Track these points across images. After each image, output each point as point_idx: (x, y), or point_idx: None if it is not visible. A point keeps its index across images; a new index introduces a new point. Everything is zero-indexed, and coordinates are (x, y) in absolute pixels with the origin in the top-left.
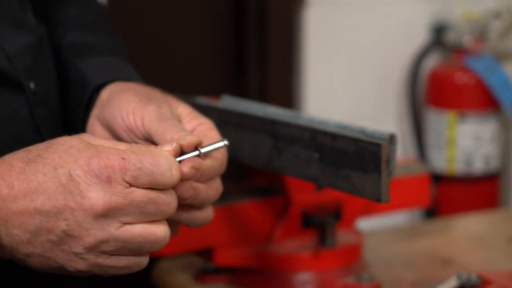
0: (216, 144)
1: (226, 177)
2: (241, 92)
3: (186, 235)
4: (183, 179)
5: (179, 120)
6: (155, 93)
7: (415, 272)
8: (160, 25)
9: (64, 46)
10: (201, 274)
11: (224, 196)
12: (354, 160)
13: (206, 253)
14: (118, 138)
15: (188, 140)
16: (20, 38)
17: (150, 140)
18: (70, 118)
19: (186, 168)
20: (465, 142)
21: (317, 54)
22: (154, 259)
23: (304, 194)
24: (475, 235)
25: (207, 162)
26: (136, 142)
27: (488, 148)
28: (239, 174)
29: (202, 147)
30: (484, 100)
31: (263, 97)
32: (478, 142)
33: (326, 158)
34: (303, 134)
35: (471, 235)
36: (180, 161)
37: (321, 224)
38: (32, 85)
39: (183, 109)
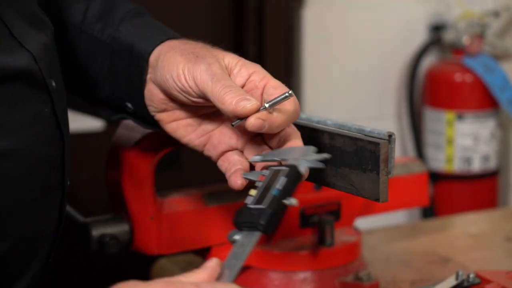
0: (280, 97)
1: (224, 176)
2: None
3: (184, 234)
4: (252, 130)
5: (229, 71)
6: (200, 49)
7: (413, 271)
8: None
9: (88, 23)
10: None
11: (222, 195)
12: (353, 159)
13: (205, 252)
14: (173, 99)
15: (248, 109)
16: (39, 37)
17: (206, 98)
18: (113, 93)
19: (252, 119)
20: (464, 141)
21: (316, 53)
22: (153, 258)
23: (303, 193)
24: (474, 234)
25: (275, 115)
26: (193, 102)
27: (487, 147)
28: None
29: (267, 102)
30: (483, 99)
31: None
32: (476, 141)
33: None
34: (302, 133)
35: (469, 234)
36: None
37: (320, 223)
38: (53, 83)
39: (231, 59)
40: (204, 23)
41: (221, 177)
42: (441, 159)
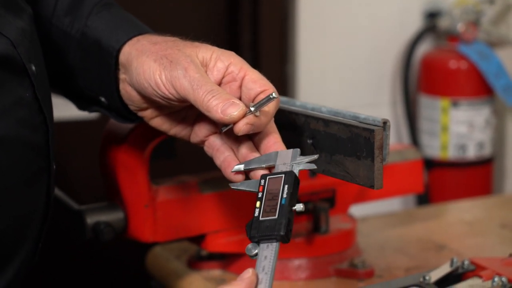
0: (265, 100)
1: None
2: None
3: (179, 222)
4: (241, 134)
5: (205, 67)
6: (171, 50)
7: (408, 258)
8: (152, 16)
9: (58, 16)
10: (195, 260)
11: (216, 183)
12: (348, 146)
13: (200, 240)
14: (154, 103)
15: (235, 116)
16: (16, 22)
17: (188, 101)
18: (85, 88)
19: (241, 125)
20: (458, 128)
21: (310, 41)
22: (148, 246)
23: None
24: (468, 221)
25: (261, 117)
26: (176, 105)
27: (481, 134)
28: None
29: (253, 105)
30: (477, 87)
31: None
32: (471, 128)
33: (319, 144)
34: (296, 120)
35: (464, 221)
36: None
37: (315, 211)
38: (33, 68)
39: (204, 54)
40: (198, 12)
41: (215, 165)
42: (436, 146)
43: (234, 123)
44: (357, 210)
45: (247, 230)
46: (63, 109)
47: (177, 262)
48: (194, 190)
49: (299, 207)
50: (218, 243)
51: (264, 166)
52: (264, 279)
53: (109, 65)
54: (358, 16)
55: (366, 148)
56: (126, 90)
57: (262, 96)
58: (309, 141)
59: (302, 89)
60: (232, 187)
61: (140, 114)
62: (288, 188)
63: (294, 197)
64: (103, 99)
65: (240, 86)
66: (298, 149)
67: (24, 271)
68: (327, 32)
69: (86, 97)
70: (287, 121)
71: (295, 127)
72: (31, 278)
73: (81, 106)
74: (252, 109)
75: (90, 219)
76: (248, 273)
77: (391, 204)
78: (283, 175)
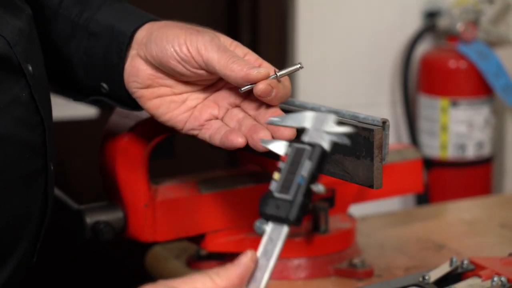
0: (292, 67)
1: (218, 163)
2: None
3: (179, 221)
4: (259, 95)
5: None
6: (196, 26)
7: (408, 258)
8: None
9: (66, 6)
10: (194, 260)
11: (216, 182)
12: (347, 145)
13: (199, 239)
14: (166, 72)
15: (263, 74)
16: (13, 23)
17: (208, 69)
18: (95, 73)
19: (263, 84)
20: (458, 128)
21: (310, 40)
22: (147, 245)
23: None
24: (468, 220)
25: (281, 86)
26: (191, 72)
27: (481, 134)
28: (231, 160)
29: (279, 71)
30: (477, 86)
31: None
32: (470, 128)
33: None
34: None
35: (463, 221)
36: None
37: (314, 210)
38: (30, 68)
39: (225, 39)
40: (197, 12)
41: (215, 164)
42: (435, 146)
43: (257, 81)
44: (357, 209)
45: (260, 203)
46: (63, 109)
47: (177, 261)
48: (194, 190)
49: (319, 188)
50: (217, 242)
51: (296, 126)
52: (264, 266)
53: (121, 45)
54: (358, 16)
55: (366, 147)
56: (134, 65)
57: None
58: None
59: (302, 88)
60: (262, 144)
61: (140, 93)
62: (311, 166)
63: (314, 176)
64: (104, 85)
65: None
66: (333, 115)
67: (22, 271)
68: (327, 32)
69: (84, 88)
70: None
71: None
72: (30, 278)
73: (77, 98)
74: (278, 74)
75: (90, 219)
76: (247, 257)
77: (390, 204)
78: (311, 148)
